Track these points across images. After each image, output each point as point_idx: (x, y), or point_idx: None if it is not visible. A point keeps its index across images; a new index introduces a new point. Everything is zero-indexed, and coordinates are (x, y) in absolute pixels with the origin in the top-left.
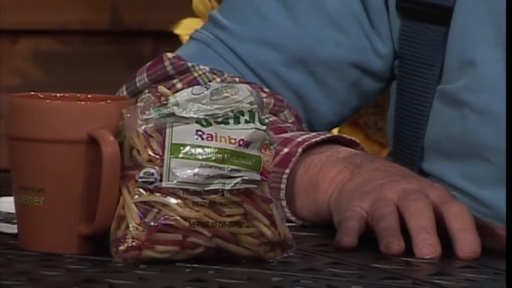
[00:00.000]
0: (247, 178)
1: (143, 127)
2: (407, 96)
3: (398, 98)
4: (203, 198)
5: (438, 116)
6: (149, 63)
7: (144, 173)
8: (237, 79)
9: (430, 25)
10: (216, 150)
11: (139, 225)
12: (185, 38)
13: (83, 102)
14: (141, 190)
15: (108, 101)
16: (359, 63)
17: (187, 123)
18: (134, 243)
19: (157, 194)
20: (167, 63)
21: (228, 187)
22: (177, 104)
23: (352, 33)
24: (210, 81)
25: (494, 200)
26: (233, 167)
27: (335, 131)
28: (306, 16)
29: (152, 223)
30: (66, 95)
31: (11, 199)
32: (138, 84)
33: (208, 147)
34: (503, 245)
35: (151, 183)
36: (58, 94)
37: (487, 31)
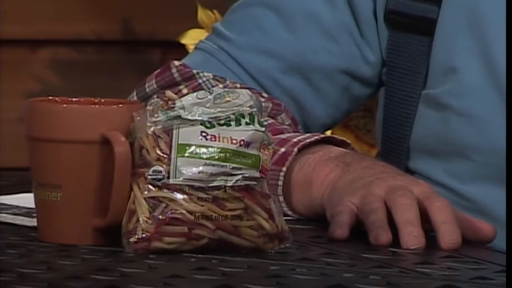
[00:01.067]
0: (247, 175)
1: (152, 129)
2: (394, 100)
3: (386, 102)
4: (207, 194)
5: (423, 118)
6: (158, 70)
7: (153, 170)
8: (238, 85)
9: (415, 35)
10: (219, 150)
11: (148, 218)
12: (191, 47)
13: (97, 106)
14: (150, 186)
15: (120, 105)
16: (349, 70)
17: (193, 125)
18: (144, 235)
19: (165, 190)
20: (174, 70)
21: (230, 184)
22: (183, 108)
23: (343, 43)
24: (213, 87)
25: (475, 195)
26: (235, 165)
27: (328, 133)
28: (301, 28)
29: (160, 217)
30: (82, 99)
31: (30, 195)
32: (147, 90)
33: (211, 147)
34: (482, 236)
35: (159, 180)
36: (74, 99)
37: (468, 41)
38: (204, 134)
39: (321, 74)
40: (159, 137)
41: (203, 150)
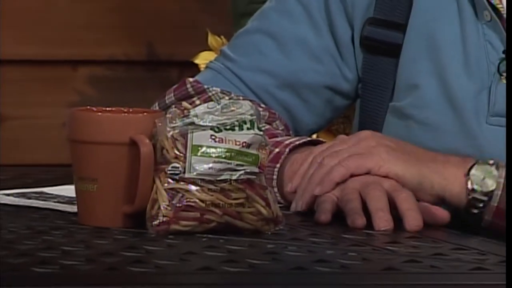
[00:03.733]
0: (248, 170)
1: (171, 133)
2: (367, 110)
3: (360, 112)
4: (216, 186)
5: (390, 125)
6: (175, 85)
7: (172, 167)
8: (241, 98)
9: (384, 57)
10: (225, 150)
11: (168, 205)
12: (202, 66)
13: (126, 114)
14: (169, 179)
15: (145, 113)
16: (332, 86)
17: (204, 130)
18: (164, 219)
19: (181, 182)
20: (188, 85)
21: (234, 177)
22: (196, 116)
23: (327, 64)
24: (221, 99)
25: None
26: (238, 162)
27: (314, 136)
28: (293, 51)
29: (177, 204)
30: (114, 109)
31: (72, 187)
32: (167, 101)
33: (219, 147)
34: (438, 220)
35: (177, 174)
36: (107, 108)
37: (427, 63)
38: (213, 137)
39: (309, 89)
40: (177, 139)
41: (213, 150)
